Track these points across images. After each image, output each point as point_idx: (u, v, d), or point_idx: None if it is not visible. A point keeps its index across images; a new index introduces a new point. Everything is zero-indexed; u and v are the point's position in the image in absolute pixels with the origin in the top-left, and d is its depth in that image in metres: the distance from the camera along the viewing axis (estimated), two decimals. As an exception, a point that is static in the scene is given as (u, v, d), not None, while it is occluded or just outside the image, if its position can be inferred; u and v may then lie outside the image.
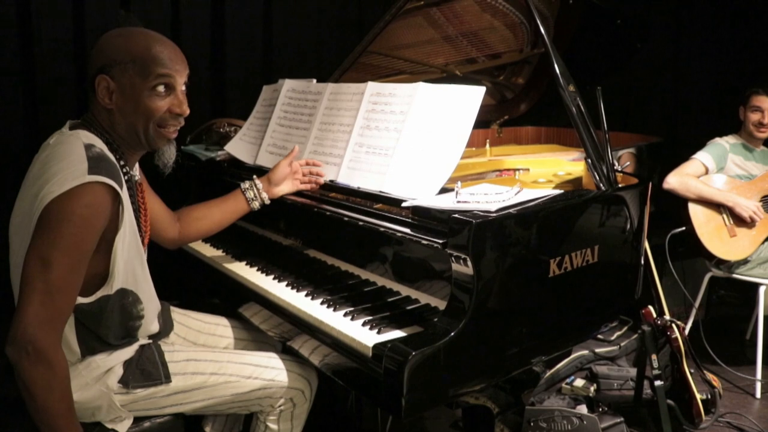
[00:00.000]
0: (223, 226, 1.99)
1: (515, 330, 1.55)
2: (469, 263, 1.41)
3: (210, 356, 1.69)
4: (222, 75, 3.33)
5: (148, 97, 1.50)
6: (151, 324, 1.66)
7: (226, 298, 2.17)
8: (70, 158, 1.40)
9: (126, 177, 1.54)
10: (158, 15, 3.13)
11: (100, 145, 1.48)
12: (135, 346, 1.61)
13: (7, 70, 2.85)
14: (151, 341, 1.66)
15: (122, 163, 1.54)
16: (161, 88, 1.51)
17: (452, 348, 1.39)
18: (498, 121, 3.29)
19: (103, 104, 1.51)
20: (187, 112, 1.57)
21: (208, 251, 2.25)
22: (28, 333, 1.29)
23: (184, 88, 1.57)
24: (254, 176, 2.01)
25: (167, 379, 1.59)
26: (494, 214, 1.46)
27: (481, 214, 1.45)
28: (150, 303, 1.64)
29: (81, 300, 1.46)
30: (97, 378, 1.52)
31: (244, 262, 2.09)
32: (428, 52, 2.75)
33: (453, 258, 1.44)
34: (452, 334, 1.39)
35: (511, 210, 1.50)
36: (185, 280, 2.44)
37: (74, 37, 2.97)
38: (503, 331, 1.53)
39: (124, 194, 1.48)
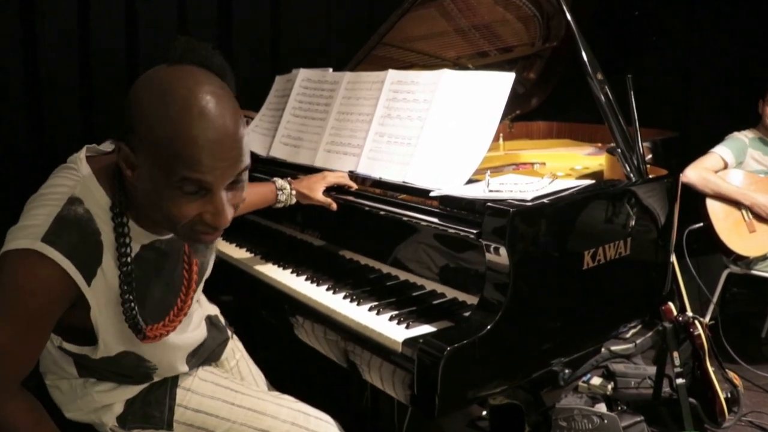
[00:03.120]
0: (244, 213, 1.85)
1: (550, 324, 1.50)
2: (505, 253, 1.35)
3: (225, 412, 1.46)
4: (232, 66, 3.26)
5: (170, 197, 1.09)
6: (173, 368, 1.44)
7: (241, 295, 2.10)
8: (40, 208, 1.16)
9: (124, 249, 1.20)
10: (164, 4, 3.07)
11: (93, 204, 1.18)
12: (145, 385, 1.42)
13: (8, 70, 2.78)
14: (169, 378, 1.46)
15: (123, 240, 1.20)
16: (190, 188, 1.08)
17: (488, 343, 1.33)
18: (509, 116, 3.23)
19: (124, 173, 1.15)
20: (226, 224, 1.14)
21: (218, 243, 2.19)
22: None
23: (231, 183, 1.13)
24: (291, 185, 1.84)
25: (169, 426, 1.43)
26: (530, 203, 1.40)
27: (517, 202, 1.39)
28: (167, 357, 1.39)
29: (73, 349, 1.29)
30: (93, 410, 1.39)
31: (258, 256, 2.03)
32: (440, 45, 2.71)
33: (487, 248, 1.39)
34: (488, 327, 1.33)
35: (545, 199, 1.45)
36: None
37: (79, 36, 2.90)
38: (536, 325, 1.48)
39: (102, 273, 1.18)
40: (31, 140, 2.82)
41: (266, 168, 2.15)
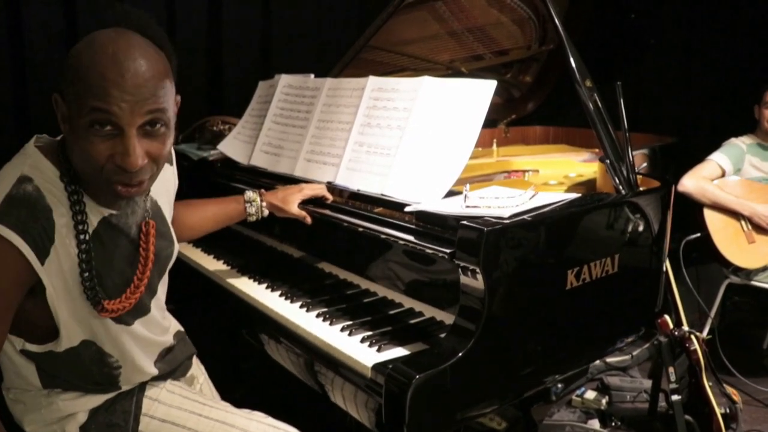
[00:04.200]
0: (211, 230, 1.81)
1: (529, 348, 1.42)
2: (480, 275, 1.28)
3: (193, 423, 1.41)
4: (218, 70, 3.21)
5: (85, 137, 1.12)
6: (140, 370, 1.40)
7: (213, 308, 2.04)
8: None
9: (81, 226, 1.21)
10: (153, 3, 3.01)
11: (43, 179, 1.19)
12: (111, 394, 1.38)
13: None
14: (136, 386, 1.42)
15: (79, 207, 1.21)
16: (99, 127, 1.11)
17: (460, 369, 1.26)
18: (505, 121, 3.17)
19: (60, 127, 1.20)
20: (135, 166, 1.13)
21: (192, 252, 2.13)
22: None
23: (147, 131, 1.15)
24: (262, 197, 1.78)
25: None
26: (508, 221, 1.32)
27: (493, 220, 1.32)
28: (130, 353, 1.36)
29: (36, 349, 1.27)
30: (56, 419, 1.35)
31: (235, 269, 1.96)
32: (433, 48, 2.65)
33: (462, 269, 1.31)
34: (460, 354, 1.25)
35: (525, 216, 1.37)
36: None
37: (66, 35, 2.86)
38: (516, 350, 1.40)
39: (55, 252, 1.17)
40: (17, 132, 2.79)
41: (246, 177, 2.09)
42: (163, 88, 1.15)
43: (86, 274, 1.22)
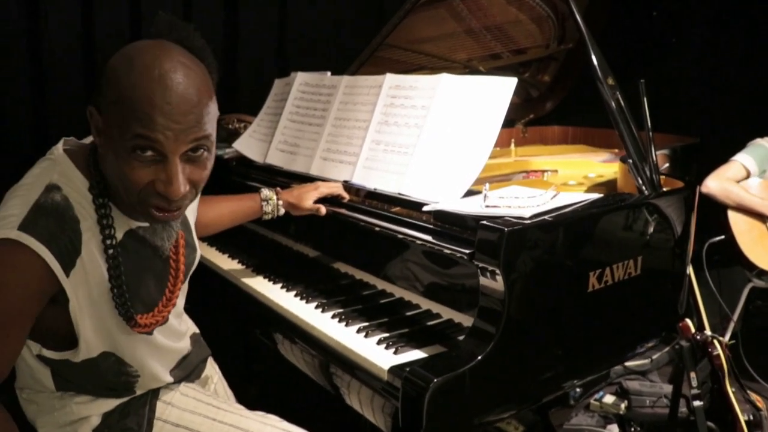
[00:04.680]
0: (227, 227, 1.80)
1: (550, 352, 1.39)
2: (500, 276, 1.24)
3: (207, 427, 1.39)
4: (234, 67, 3.20)
5: (126, 160, 1.08)
6: (157, 378, 1.38)
7: (227, 307, 2.02)
8: (19, 198, 1.13)
9: (109, 240, 1.18)
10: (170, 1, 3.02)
11: (71, 188, 1.16)
12: (125, 398, 1.36)
13: (13, 66, 2.76)
14: (150, 390, 1.40)
15: (107, 221, 1.18)
16: (142, 152, 1.07)
17: (479, 373, 1.23)
18: (523, 120, 3.13)
19: (94, 140, 1.16)
20: (177, 195, 1.10)
21: (207, 251, 2.11)
22: None
23: (189, 157, 1.11)
24: (278, 195, 1.76)
25: None
26: (528, 221, 1.29)
27: (514, 220, 1.28)
28: (149, 363, 1.34)
29: (53, 355, 1.25)
30: (69, 422, 1.34)
31: (250, 268, 1.94)
32: (450, 47, 2.63)
33: (481, 270, 1.28)
34: (479, 358, 1.22)
35: (546, 216, 1.33)
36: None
37: (84, 36, 2.87)
38: (536, 354, 1.36)
39: (81, 264, 1.15)
40: (34, 136, 2.80)
41: (262, 175, 2.07)
42: (208, 114, 1.12)
43: (116, 290, 1.20)
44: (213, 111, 1.14)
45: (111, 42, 2.89)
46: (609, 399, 2.63)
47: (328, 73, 2.12)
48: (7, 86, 2.77)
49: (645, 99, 1.68)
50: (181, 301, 1.44)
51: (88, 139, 1.27)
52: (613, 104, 1.66)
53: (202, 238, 1.99)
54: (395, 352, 1.35)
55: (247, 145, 2.25)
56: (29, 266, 1.09)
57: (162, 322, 1.32)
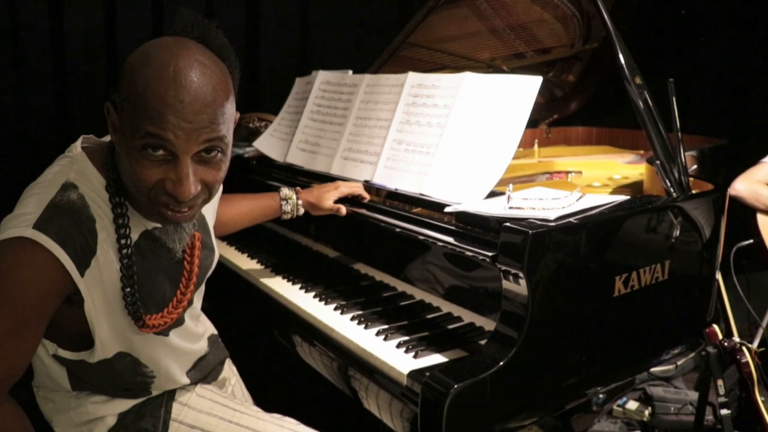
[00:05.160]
0: (246, 226, 1.78)
1: (574, 358, 1.35)
2: (523, 280, 1.21)
3: (222, 429, 1.37)
4: (255, 66, 3.19)
5: (137, 158, 1.06)
6: (173, 379, 1.37)
7: (246, 307, 2.00)
8: (35, 196, 1.12)
9: (124, 240, 1.17)
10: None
11: (88, 187, 1.15)
12: (141, 399, 1.35)
13: (37, 62, 2.78)
14: (166, 391, 1.39)
15: (122, 221, 1.16)
16: (152, 151, 1.05)
17: (500, 379, 1.20)
18: (546, 121, 3.09)
19: (111, 136, 1.14)
20: (187, 195, 1.08)
21: (226, 251, 2.10)
22: None
23: (202, 158, 1.09)
24: (298, 195, 1.74)
25: None
26: (553, 223, 1.26)
27: (538, 222, 1.25)
28: (165, 364, 1.33)
29: (68, 356, 1.24)
30: (85, 422, 1.33)
31: (269, 268, 1.92)
32: (473, 46, 2.59)
33: (504, 273, 1.25)
34: (501, 363, 1.19)
35: (572, 219, 1.30)
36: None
37: (106, 33, 2.89)
38: (560, 360, 1.33)
39: (96, 264, 1.13)
40: (57, 133, 2.82)
41: (282, 175, 2.05)
42: (222, 114, 1.08)
43: (128, 289, 1.18)
44: (229, 111, 1.11)
45: (133, 39, 2.88)
46: (632, 405, 2.58)
47: (350, 72, 2.10)
48: (32, 83, 2.80)
49: (674, 98, 1.64)
50: (198, 302, 1.43)
51: (107, 138, 1.26)
52: (641, 104, 1.62)
53: (220, 237, 1.98)
54: (415, 356, 1.32)
55: (268, 143, 2.24)
56: (44, 265, 1.08)
57: (173, 323, 1.30)
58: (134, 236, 1.20)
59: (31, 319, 1.10)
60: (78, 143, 1.22)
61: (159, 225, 1.24)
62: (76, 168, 1.16)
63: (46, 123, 2.87)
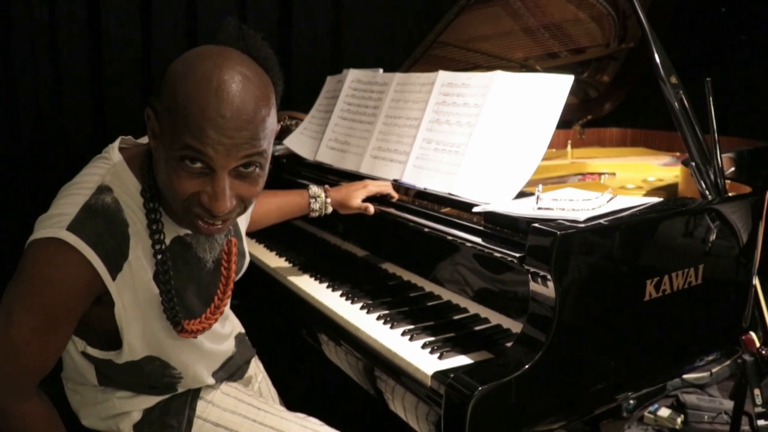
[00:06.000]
0: (274, 223, 1.78)
1: (602, 362, 1.32)
2: (551, 282, 1.19)
3: (246, 428, 1.37)
4: (287, 64, 3.20)
5: (174, 168, 1.05)
6: (199, 380, 1.37)
7: (273, 305, 2.01)
8: (69, 197, 1.13)
9: (158, 245, 1.17)
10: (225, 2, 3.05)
11: (123, 191, 1.15)
12: (166, 396, 1.36)
13: (74, 65, 2.83)
14: (191, 389, 1.39)
15: (156, 227, 1.16)
16: (190, 163, 1.04)
17: (526, 383, 1.18)
18: (580, 122, 3.04)
19: (149, 142, 1.13)
20: (222, 210, 1.07)
21: (254, 248, 2.11)
22: None
23: (240, 172, 1.08)
24: (327, 193, 1.74)
25: None
26: (583, 225, 1.23)
27: (567, 223, 1.23)
28: (193, 366, 1.33)
29: (96, 354, 1.26)
30: (111, 416, 1.35)
31: (297, 267, 1.93)
32: (506, 45, 2.57)
33: (531, 275, 1.23)
34: (526, 366, 1.17)
35: (602, 220, 1.27)
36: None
37: (142, 35, 2.93)
38: (588, 364, 1.30)
39: (128, 268, 1.14)
40: (94, 132, 2.87)
41: (311, 173, 2.05)
42: (264, 130, 1.07)
43: (165, 295, 1.18)
44: (270, 126, 1.09)
45: (168, 40, 2.94)
46: (664, 412, 2.52)
47: (380, 71, 2.09)
48: (69, 83, 2.85)
49: (711, 99, 1.59)
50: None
51: (144, 139, 1.26)
52: (677, 104, 1.58)
53: (249, 234, 1.99)
54: (440, 357, 1.31)
55: (298, 142, 2.24)
56: (75, 267, 1.09)
57: (208, 329, 1.30)
58: (167, 242, 1.20)
59: (60, 318, 1.12)
60: (116, 144, 1.22)
61: (192, 232, 1.24)
62: (112, 171, 1.16)
63: (82, 123, 2.91)
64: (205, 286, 1.30)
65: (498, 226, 1.36)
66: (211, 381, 1.40)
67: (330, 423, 1.42)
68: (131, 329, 1.19)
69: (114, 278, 1.13)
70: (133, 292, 1.17)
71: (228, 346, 1.46)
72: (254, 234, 2.15)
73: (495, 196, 1.48)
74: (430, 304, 1.58)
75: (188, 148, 1.02)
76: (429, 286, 1.62)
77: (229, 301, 1.39)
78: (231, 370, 1.48)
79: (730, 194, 1.60)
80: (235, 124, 1.02)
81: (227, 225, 1.15)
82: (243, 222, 1.47)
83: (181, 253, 1.24)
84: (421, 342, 1.38)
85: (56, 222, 1.09)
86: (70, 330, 1.16)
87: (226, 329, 1.46)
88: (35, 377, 1.17)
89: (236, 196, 1.09)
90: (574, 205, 1.33)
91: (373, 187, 1.71)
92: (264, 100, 1.07)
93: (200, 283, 1.29)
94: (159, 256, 1.17)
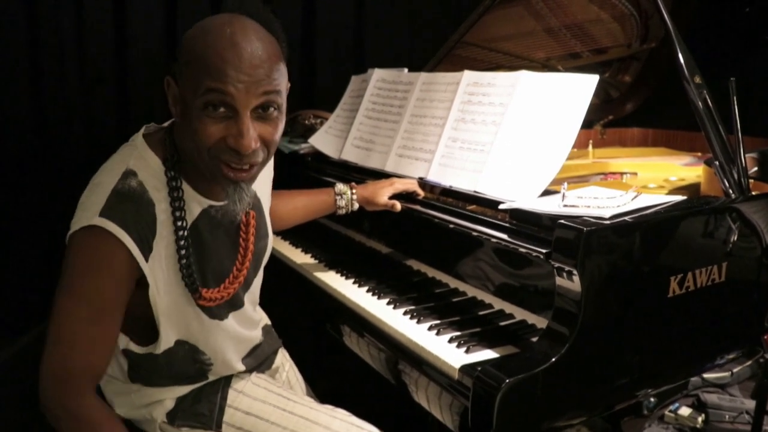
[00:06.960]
0: (301, 221, 1.82)
1: (626, 357, 1.34)
2: (577, 277, 1.21)
3: (276, 417, 1.40)
4: (311, 64, 3.24)
5: (198, 117, 1.12)
6: (229, 366, 1.42)
7: (299, 300, 2.04)
8: (99, 186, 1.17)
9: (180, 222, 1.22)
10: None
11: (147, 172, 1.20)
12: (198, 384, 1.41)
13: (102, 61, 2.89)
14: (223, 377, 1.44)
15: (177, 194, 1.21)
16: (213, 109, 1.12)
17: (551, 376, 1.20)
18: (602, 122, 3.05)
19: (171, 110, 1.21)
20: (248, 148, 1.13)
21: (280, 245, 2.15)
22: (43, 395, 1.14)
23: (259, 114, 1.16)
24: (353, 190, 1.77)
25: (218, 426, 1.39)
26: (608, 222, 1.25)
27: (593, 220, 1.25)
28: (222, 350, 1.38)
29: (135, 349, 1.30)
30: (144, 404, 1.38)
31: (323, 263, 1.96)
32: (528, 45, 2.59)
33: (557, 270, 1.25)
34: (552, 360, 1.20)
35: (627, 217, 1.29)
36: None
37: (166, 33, 2.98)
38: (612, 359, 1.32)
39: (157, 246, 1.19)
40: (120, 132, 2.92)
41: (337, 171, 2.08)
42: (278, 71, 1.16)
43: (184, 261, 1.23)
44: (282, 71, 1.18)
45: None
46: (685, 411, 2.53)
47: (405, 70, 2.12)
48: (96, 73, 2.90)
49: (735, 99, 1.61)
50: (256, 288, 1.47)
51: (168, 124, 1.32)
52: (700, 104, 1.60)
53: (276, 233, 2.03)
54: (467, 351, 1.34)
55: (323, 140, 2.28)
56: (114, 251, 1.14)
57: (232, 305, 1.35)
58: (193, 213, 1.25)
59: (107, 306, 1.16)
60: (140, 132, 1.28)
61: (216, 203, 1.28)
62: (135, 154, 1.22)
63: (109, 124, 2.97)
64: (228, 256, 1.35)
65: (524, 222, 1.38)
66: (240, 367, 1.43)
67: (355, 416, 1.46)
68: (163, 307, 1.23)
69: (147, 259, 1.18)
70: (162, 271, 1.21)
71: (256, 333, 1.50)
72: (280, 231, 2.18)
73: (520, 194, 1.50)
74: (455, 300, 1.61)
75: (211, 91, 1.10)
76: (454, 283, 1.65)
77: (254, 282, 1.44)
78: (260, 359, 1.51)
79: (753, 193, 1.62)
80: (252, 63, 1.11)
81: (253, 173, 1.20)
82: (265, 201, 1.50)
83: (206, 226, 1.28)
84: (447, 336, 1.41)
85: (89, 210, 1.14)
86: (119, 319, 1.19)
87: (257, 316, 1.50)
88: (90, 375, 1.17)
89: (259, 138, 1.15)
90: (599, 203, 1.35)
91: (399, 185, 1.74)
92: (273, 48, 1.17)
93: (224, 254, 1.33)
94: (179, 222, 1.21)
